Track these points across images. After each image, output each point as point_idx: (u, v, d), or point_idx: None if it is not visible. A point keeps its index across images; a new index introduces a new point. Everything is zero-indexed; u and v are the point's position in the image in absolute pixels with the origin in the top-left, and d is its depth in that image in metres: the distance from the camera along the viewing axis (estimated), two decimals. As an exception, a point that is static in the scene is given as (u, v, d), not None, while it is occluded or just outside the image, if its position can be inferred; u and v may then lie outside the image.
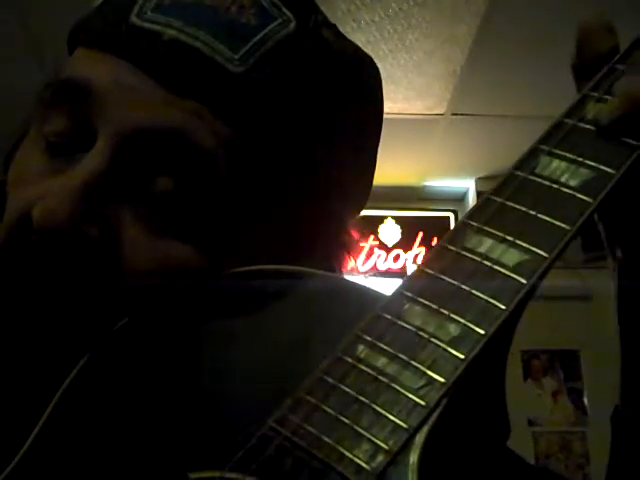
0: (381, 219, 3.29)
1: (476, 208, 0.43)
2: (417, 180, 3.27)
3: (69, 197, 0.45)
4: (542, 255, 0.40)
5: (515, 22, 2.30)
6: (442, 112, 2.81)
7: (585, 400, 3.03)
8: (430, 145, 2.97)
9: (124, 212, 0.47)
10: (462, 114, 2.80)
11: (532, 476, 0.53)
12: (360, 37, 2.40)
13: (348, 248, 0.58)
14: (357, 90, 0.55)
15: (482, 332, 0.38)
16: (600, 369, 3.01)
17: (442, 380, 0.36)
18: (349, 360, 0.39)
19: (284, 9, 0.50)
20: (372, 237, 3.24)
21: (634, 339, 0.50)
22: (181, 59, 0.47)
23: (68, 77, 0.50)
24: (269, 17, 0.50)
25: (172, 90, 0.47)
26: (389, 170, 3.01)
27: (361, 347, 0.39)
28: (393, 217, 3.30)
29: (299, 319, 0.45)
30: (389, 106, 2.92)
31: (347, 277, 0.56)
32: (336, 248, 0.57)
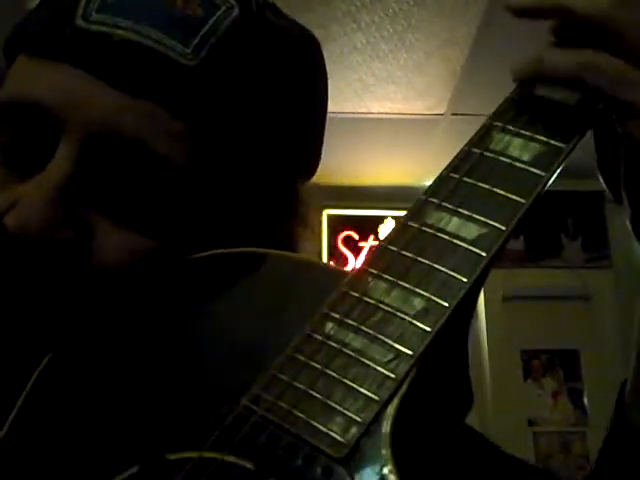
0: (381, 219, 3.29)
1: (435, 185, 0.45)
2: (417, 180, 3.27)
3: (42, 203, 0.46)
4: (499, 228, 0.41)
5: (515, 22, 2.29)
6: (442, 112, 2.81)
7: (585, 400, 3.03)
8: (430, 145, 2.97)
9: (95, 212, 0.48)
10: (462, 114, 2.80)
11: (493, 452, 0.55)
12: (360, 37, 2.40)
13: (304, 219, 0.58)
14: (303, 66, 0.56)
15: (446, 305, 0.39)
16: (600, 369, 3.02)
17: (410, 352, 0.38)
18: (318, 337, 0.40)
19: None
20: (372, 237, 3.24)
21: None
22: (133, 59, 0.47)
23: (14, 97, 0.49)
24: (213, 6, 0.50)
25: (126, 91, 0.47)
26: (389, 170, 3.02)
27: (329, 324, 0.40)
28: (393, 217, 3.30)
29: (265, 299, 0.46)
30: (389, 106, 2.92)
31: (308, 256, 0.56)
32: (293, 220, 0.57)
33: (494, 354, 2.95)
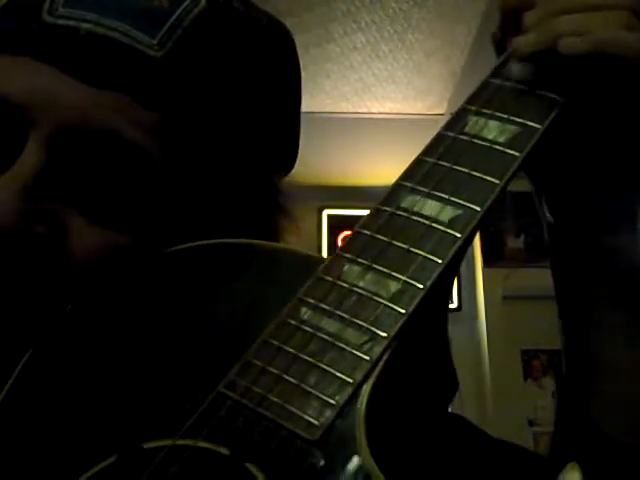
0: (381, 219, 3.28)
1: (409, 169, 0.45)
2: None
3: (12, 197, 0.45)
4: (475, 209, 0.41)
5: (515, 22, 2.30)
6: (442, 112, 2.81)
7: (585, 400, 3.02)
8: (430, 145, 2.97)
9: (67, 207, 0.48)
10: (462, 114, 2.80)
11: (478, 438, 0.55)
12: (360, 37, 2.40)
13: (285, 211, 0.58)
14: (274, 55, 0.56)
15: (420, 286, 0.39)
16: (600, 369, 3.01)
17: (384, 334, 0.38)
18: (293, 322, 0.40)
19: None
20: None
21: (568, 293, 0.54)
22: (100, 52, 0.47)
23: None
24: None
25: (94, 84, 0.47)
26: (389, 170, 3.01)
27: (304, 309, 0.40)
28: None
29: (243, 288, 0.46)
30: (389, 106, 2.92)
31: (286, 244, 0.57)
32: (273, 212, 0.57)
33: (494, 354, 2.95)
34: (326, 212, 3.15)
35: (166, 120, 0.48)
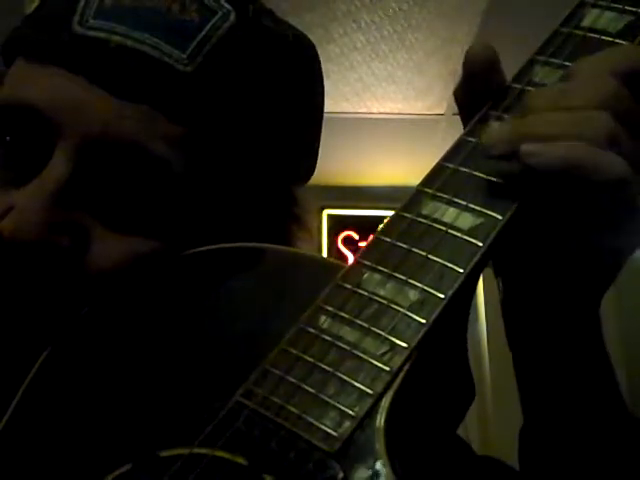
0: (381, 219, 3.26)
1: (430, 175, 0.44)
2: (417, 180, 3.25)
3: (38, 209, 0.46)
4: (496, 217, 0.40)
5: (515, 22, 2.30)
6: (442, 112, 2.80)
7: (585, 400, 3.02)
8: (430, 145, 2.96)
9: (91, 217, 0.48)
10: (462, 114, 2.80)
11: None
12: (360, 37, 2.40)
13: (300, 221, 0.58)
14: (300, 71, 0.56)
15: (441, 296, 0.38)
16: (600, 369, 3.00)
17: (404, 345, 0.37)
18: (312, 331, 0.39)
19: (222, 2, 0.51)
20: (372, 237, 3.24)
21: (523, 361, 0.53)
22: (130, 65, 0.47)
23: (10, 100, 0.49)
24: (210, 12, 0.50)
25: (123, 97, 0.47)
26: (389, 170, 3.01)
27: (323, 317, 0.39)
28: (393, 217, 3.29)
29: (260, 294, 0.46)
30: (389, 106, 2.92)
31: (304, 249, 0.57)
32: (289, 222, 0.58)
33: (494, 354, 2.95)
34: (326, 212, 3.15)
35: (191, 133, 0.48)
